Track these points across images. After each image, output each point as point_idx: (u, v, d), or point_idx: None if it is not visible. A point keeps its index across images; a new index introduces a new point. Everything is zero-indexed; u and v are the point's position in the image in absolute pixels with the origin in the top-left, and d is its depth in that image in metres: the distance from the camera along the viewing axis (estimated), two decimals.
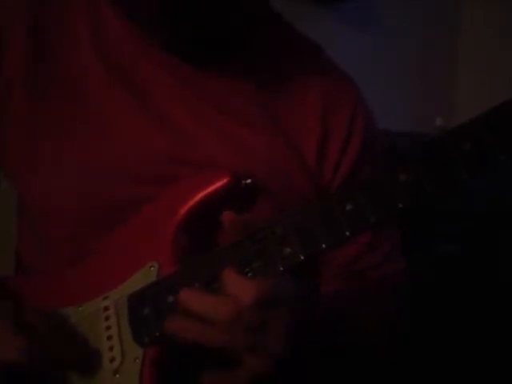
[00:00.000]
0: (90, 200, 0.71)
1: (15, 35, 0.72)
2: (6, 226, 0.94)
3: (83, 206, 0.71)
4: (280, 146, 0.74)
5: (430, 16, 2.03)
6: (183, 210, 0.68)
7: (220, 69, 0.74)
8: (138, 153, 0.71)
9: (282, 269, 0.59)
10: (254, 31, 0.77)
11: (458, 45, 2.16)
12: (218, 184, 0.68)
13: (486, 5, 2.07)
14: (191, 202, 0.68)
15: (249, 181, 0.70)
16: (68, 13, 0.74)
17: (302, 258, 0.59)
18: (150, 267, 0.67)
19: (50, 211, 0.72)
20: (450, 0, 2.11)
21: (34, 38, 0.72)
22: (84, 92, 0.72)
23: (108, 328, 0.67)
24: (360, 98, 0.81)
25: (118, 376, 0.64)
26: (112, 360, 0.65)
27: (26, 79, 0.71)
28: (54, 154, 0.71)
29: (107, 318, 0.67)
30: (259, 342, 0.58)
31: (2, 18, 0.72)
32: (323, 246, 0.58)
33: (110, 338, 0.66)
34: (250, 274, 0.60)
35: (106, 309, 0.67)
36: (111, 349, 0.65)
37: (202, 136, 0.72)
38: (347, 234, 0.57)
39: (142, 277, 0.67)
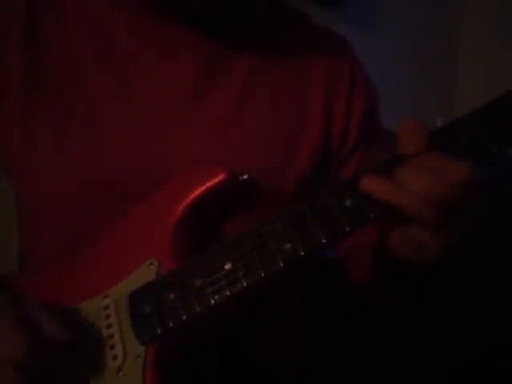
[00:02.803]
0: (90, 196, 0.71)
1: (12, 35, 0.72)
2: (7, 225, 0.94)
3: (83, 201, 0.71)
4: (284, 133, 0.76)
5: (430, 16, 2.03)
6: (181, 208, 0.68)
7: (219, 51, 0.75)
8: (133, 153, 0.71)
9: (282, 264, 0.60)
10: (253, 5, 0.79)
11: (458, 45, 2.16)
12: (215, 180, 0.68)
13: (486, 5, 2.08)
14: (188, 200, 0.68)
15: (246, 176, 0.70)
16: (65, 11, 0.74)
17: (303, 253, 0.59)
18: (150, 265, 0.67)
19: (50, 205, 0.73)
20: (450, 0, 2.11)
21: (32, 36, 0.72)
22: (80, 92, 0.72)
23: (109, 326, 0.67)
24: (355, 56, 0.84)
25: (120, 374, 0.64)
26: (114, 358, 0.65)
27: (23, 79, 0.72)
28: (53, 154, 0.71)
29: (108, 317, 0.67)
30: (449, 222, 0.56)
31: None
32: (323, 241, 0.58)
33: (111, 336, 0.66)
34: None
35: (106, 307, 0.67)
36: (113, 347, 0.65)
37: (202, 135, 0.72)
38: (347, 229, 0.58)
39: (142, 274, 0.67)
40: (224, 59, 0.75)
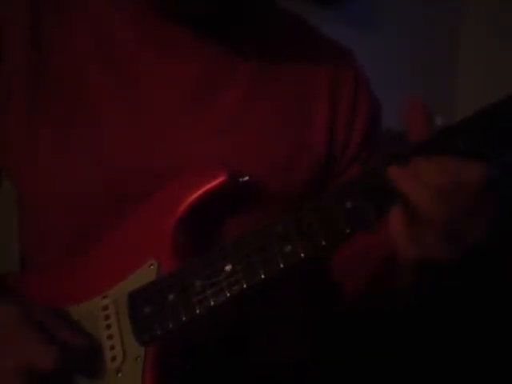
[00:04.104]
0: (90, 196, 0.71)
1: (13, 35, 0.72)
2: (7, 225, 0.94)
3: (83, 201, 0.71)
4: (287, 134, 0.75)
5: (430, 16, 2.03)
6: (181, 209, 0.68)
7: (221, 51, 0.75)
8: (133, 153, 0.71)
9: (282, 266, 0.60)
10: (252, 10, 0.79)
11: (458, 45, 2.16)
12: (215, 182, 0.68)
13: (486, 5, 2.07)
14: (189, 201, 0.68)
15: (246, 178, 0.70)
16: (67, 13, 0.74)
17: (303, 255, 0.59)
18: (150, 265, 0.67)
19: (50, 205, 0.73)
20: (450, 0, 2.11)
21: (35, 37, 0.72)
22: (80, 92, 0.72)
23: (108, 327, 0.67)
24: (358, 63, 0.83)
25: (120, 375, 0.65)
26: (113, 359, 0.65)
27: (27, 80, 0.72)
28: (54, 154, 0.71)
29: (107, 317, 0.67)
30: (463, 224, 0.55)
31: (2, 18, 0.72)
32: (323, 243, 0.58)
33: (110, 337, 0.66)
34: None
35: (106, 308, 0.67)
36: (112, 348, 0.66)
37: (202, 135, 0.72)
38: (347, 231, 0.58)
39: (142, 275, 0.67)
40: (224, 59, 0.75)
